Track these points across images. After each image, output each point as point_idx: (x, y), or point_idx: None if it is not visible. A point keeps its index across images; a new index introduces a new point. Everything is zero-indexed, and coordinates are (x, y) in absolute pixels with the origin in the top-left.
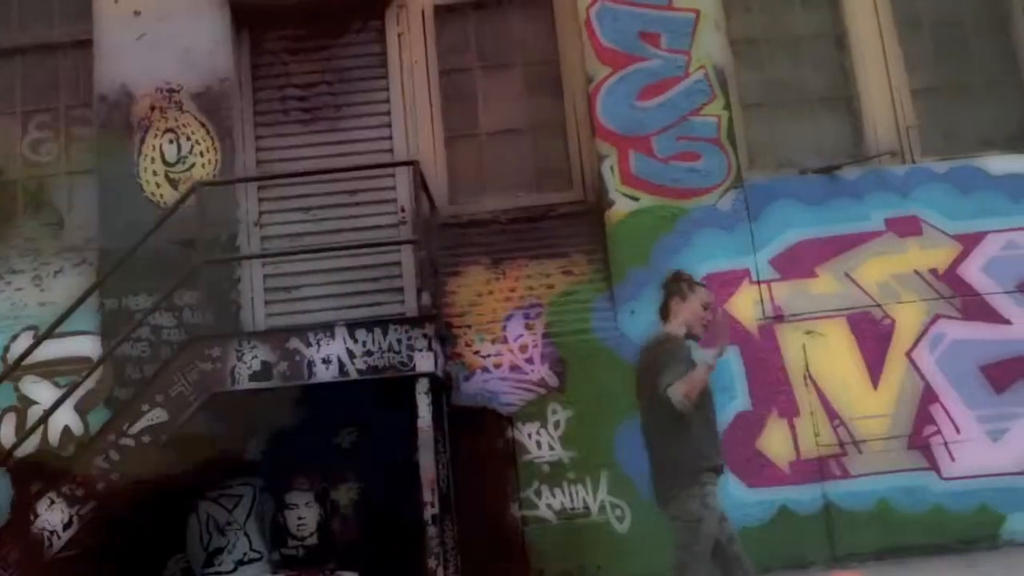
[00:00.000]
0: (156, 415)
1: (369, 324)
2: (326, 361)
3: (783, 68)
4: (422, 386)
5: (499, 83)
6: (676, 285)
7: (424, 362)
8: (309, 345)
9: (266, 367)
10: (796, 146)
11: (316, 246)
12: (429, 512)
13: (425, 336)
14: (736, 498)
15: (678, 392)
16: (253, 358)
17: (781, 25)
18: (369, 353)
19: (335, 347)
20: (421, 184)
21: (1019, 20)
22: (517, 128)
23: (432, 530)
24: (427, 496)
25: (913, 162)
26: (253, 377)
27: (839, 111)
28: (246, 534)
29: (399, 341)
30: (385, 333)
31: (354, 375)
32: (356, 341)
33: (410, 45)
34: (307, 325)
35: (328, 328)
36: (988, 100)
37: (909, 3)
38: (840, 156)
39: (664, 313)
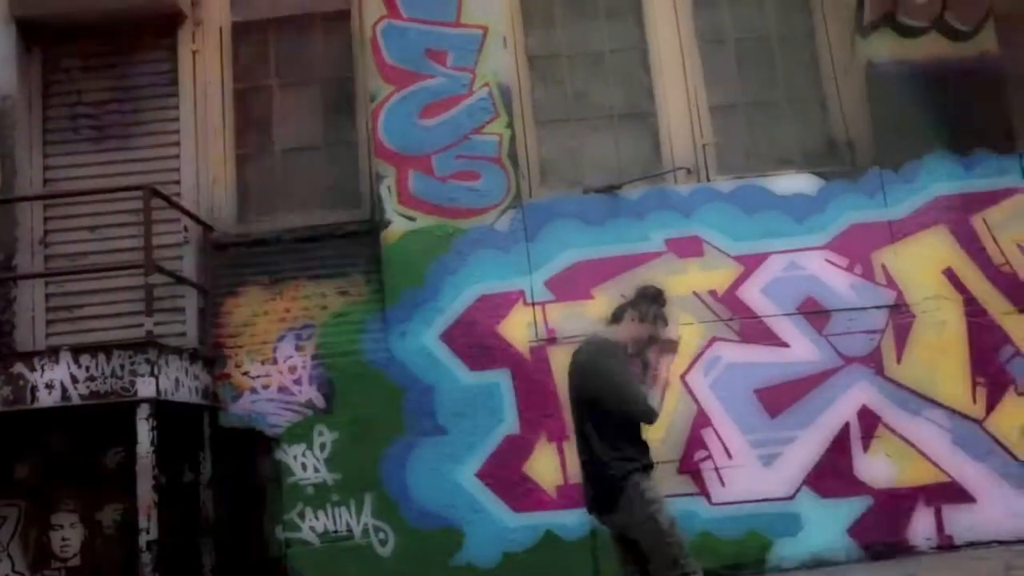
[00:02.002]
0: None
1: (93, 349)
2: (49, 386)
3: (584, 84)
4: (142, 412)
5: (296, 101)
6: (647, 305)
7: (146, 388)
8: (33, 370)
9: None
10: (593, 164)
11: (51, 270)
12: (144, 539)
13: (148, 361)
14: (501, 523)
15: (657, 402)
16: None
17: (584, 41)
18: (92, 378)
19: (59, 372)
20: (172, 207)
21: (822, 35)
22: (312, 146)
23: (146, 556)
24: (143, 523)
25: (708, 180)
26: None
27: (638, 128)
28: (9, 556)
29: (122, 366)
30: (109, 358)
31: (77, 400)
32: (80, 366)
33: (205, 62)
34: (33, 350)
35: (53, 352)
36: (790, 117)
37: (713, 18)
38: (636, 174)
39: (616, 318)
